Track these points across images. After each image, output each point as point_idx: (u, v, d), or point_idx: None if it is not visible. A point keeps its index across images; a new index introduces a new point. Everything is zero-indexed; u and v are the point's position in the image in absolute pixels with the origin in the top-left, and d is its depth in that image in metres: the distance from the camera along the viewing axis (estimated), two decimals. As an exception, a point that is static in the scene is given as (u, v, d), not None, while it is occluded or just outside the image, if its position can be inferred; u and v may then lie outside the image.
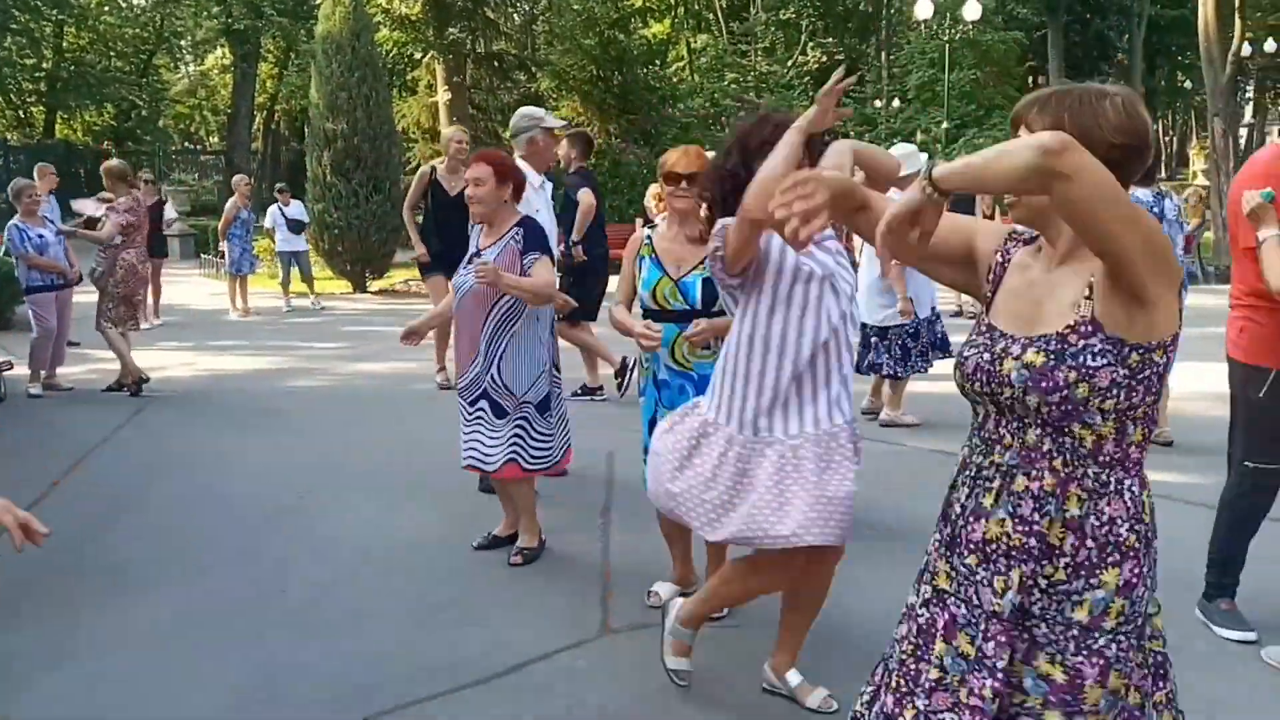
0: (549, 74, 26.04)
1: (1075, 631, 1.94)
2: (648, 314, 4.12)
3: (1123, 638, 1.94)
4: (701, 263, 4.07)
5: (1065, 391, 1.89)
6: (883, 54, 39.21)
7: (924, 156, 7.58)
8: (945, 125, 26.55)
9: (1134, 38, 43.18)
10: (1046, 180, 1.69)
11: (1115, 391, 1.88)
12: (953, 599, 2.06)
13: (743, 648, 3.93)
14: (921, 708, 2.04)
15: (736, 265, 3.19)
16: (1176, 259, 1.89)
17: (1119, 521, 1.93)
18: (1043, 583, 1.96)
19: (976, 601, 2.02)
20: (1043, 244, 2.04)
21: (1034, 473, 1.97)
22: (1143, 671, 1.99)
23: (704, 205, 3.51)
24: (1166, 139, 59.76)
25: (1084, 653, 1.93)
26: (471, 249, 4.79)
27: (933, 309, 7.40)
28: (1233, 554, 4.15)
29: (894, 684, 2.13)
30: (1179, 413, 7.20)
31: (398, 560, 4.90)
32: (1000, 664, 1.96)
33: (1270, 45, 38.34)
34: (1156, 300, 1.84)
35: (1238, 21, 24.96)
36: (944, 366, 7.67)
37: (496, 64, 26.88)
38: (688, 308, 4.04)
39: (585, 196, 8.00)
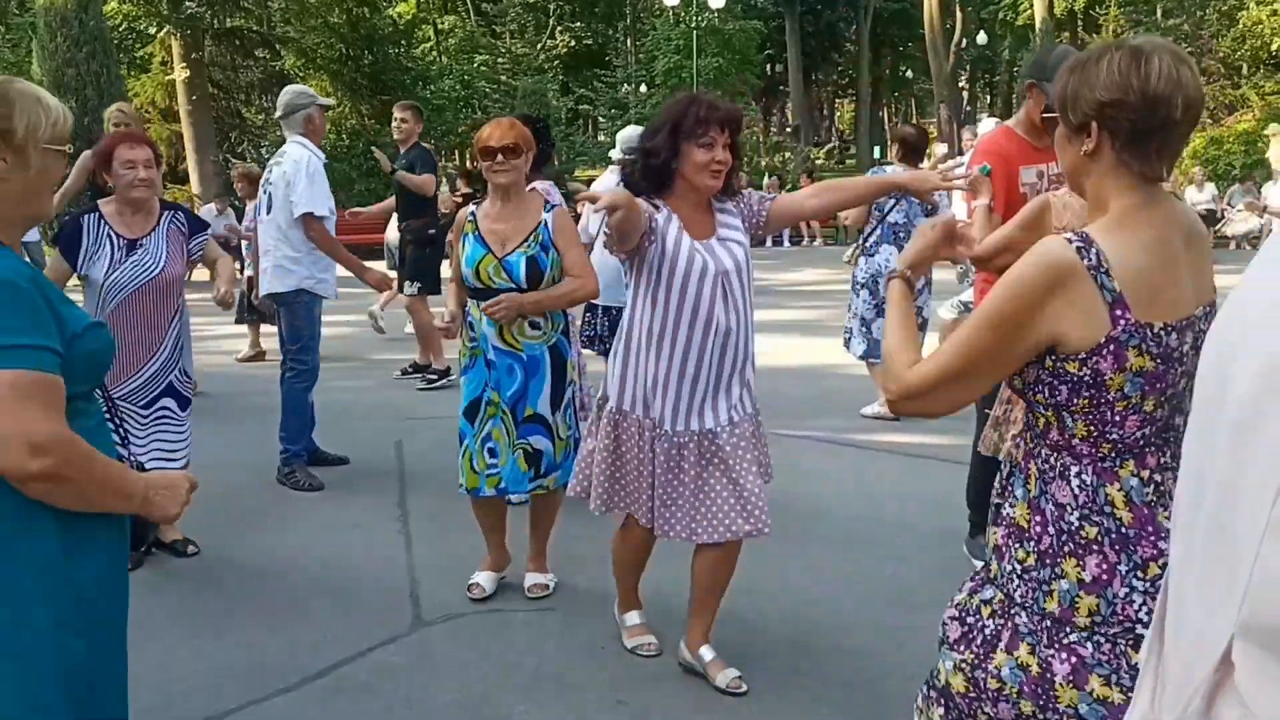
0: (294, 52, 25.05)
1: (1048, 623, 1.88)
2: (474, 292, 4.03)
3: (1102, 639, 1.84)
4: (525, 241, 4.00)
5: (1012, 378, 1.93)
6: (629, 40, 39.81)
7: None
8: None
9: (861, 29, 45.54)
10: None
11: (1039, 387, 1.87)
12: None
13: (565, 629, 3.93)
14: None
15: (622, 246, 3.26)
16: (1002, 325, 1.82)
17: (1069, 510, 1.87)
18: (1018, 566, 1.93)
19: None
20: None
21: (1019, 440, 2.03)
22: None
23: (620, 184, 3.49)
24: (891, 125, 63.34)
25: (1054, 646, 1.86)
26: (111, 238, 4.38)
27: None
28: (987, 492, 4.52)
29: None
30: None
31: (179, 565, 4.61)
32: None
33: (982, 38, 41.23)
34: (1035, 349, 1.84)
35: (959, 14, 26.74)
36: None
37: (238, 41, 25.58)
38: (512, 286, 3.95)
39: (428, 181, 7.95)
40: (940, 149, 24.98)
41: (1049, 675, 1.84)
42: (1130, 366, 1.79)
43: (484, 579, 4.27)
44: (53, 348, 1.84)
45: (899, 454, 6.26)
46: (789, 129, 41.59)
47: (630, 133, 7.55)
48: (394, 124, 8.13)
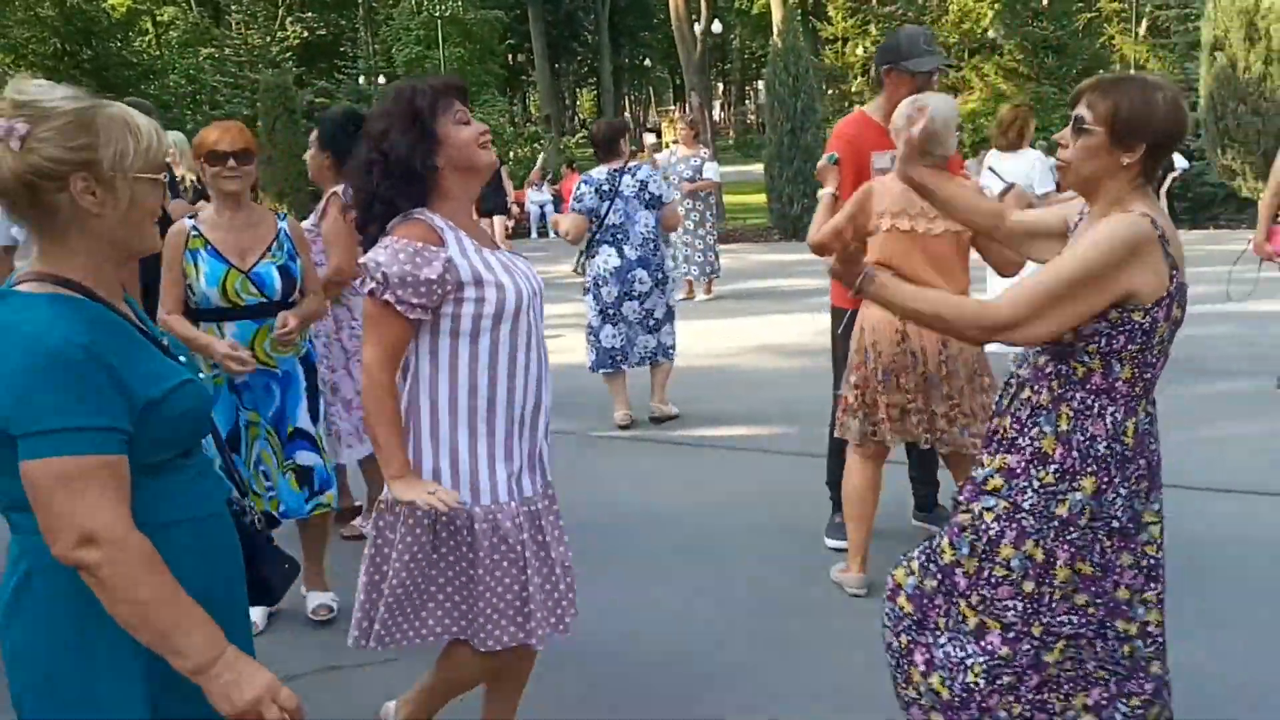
0: (1, 48, 22.83)
1: (1055, 523, 2.39)
2: (213, 314, 3.67)
3: (1089, 532, 2.38)
4: (268, 250, 3.71)
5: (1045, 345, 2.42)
6: (366, 30, 38.70)
7: None
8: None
9: (600, 18, 46.03)
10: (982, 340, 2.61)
11: (1096, 338, 2.33)
12: None
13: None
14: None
15: None
16: (1104, 270, 2.26)
17: (1098, 440, 2.37)
18: (1036, 483, 2.41)
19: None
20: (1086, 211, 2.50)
21: (1036, 388, 2.45)
22: (1133, 571, 2.42)
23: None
24: (633, 114, 64.39)
25: (1059, 540, 2.39)
26: None
27: None
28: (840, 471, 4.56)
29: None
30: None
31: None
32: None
33: (717, 26, 42.34)
34: (1115, 297, 2.28)
35: (703, 3, 27.28)
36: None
37: (-71, 36, 23.08)
38: (265, 300, 3.69)
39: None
40: (649, 138, 25.32)
41: (1052, 560, 2.39)
42: (1173, 317, 2.34)
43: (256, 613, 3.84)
44: (112, 426, 1.68)
45: (720, 448, 6.17)
46: (534, 119, 41.46)
47: None
48: None
